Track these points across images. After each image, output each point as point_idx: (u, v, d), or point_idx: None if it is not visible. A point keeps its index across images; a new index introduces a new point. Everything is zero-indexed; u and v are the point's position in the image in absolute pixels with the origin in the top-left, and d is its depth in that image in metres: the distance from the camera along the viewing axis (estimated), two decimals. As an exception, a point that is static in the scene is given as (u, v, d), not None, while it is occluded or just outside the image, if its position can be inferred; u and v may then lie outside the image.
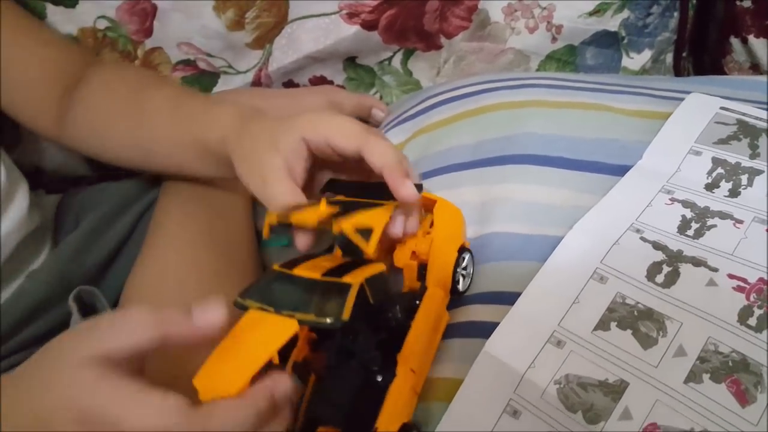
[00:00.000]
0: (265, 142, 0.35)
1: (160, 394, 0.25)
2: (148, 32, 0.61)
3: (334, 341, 0.29)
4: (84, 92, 0.48)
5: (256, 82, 0.65)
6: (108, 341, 0.27)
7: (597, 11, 0.57)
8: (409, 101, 0.55)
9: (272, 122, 0.36)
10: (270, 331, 0.27)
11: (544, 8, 0.57)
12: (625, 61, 0.60)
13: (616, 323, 0.30)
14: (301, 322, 0.27)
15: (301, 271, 0.30)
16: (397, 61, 0.64)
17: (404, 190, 0.31)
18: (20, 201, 0.48)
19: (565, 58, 0.60)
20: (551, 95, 0.44)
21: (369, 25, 0.59)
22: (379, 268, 0.30)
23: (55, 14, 0.57)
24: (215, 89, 0.65)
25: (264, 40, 0.62)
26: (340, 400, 0.28)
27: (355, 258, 0.32)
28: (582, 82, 0.47)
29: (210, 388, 0.26)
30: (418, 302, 0.31)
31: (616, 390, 0.28)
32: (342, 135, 0.33)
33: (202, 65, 0.63)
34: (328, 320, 0.26)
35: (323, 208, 0.31)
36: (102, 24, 0.59)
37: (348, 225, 0.29)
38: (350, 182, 0.36)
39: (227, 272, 0.45)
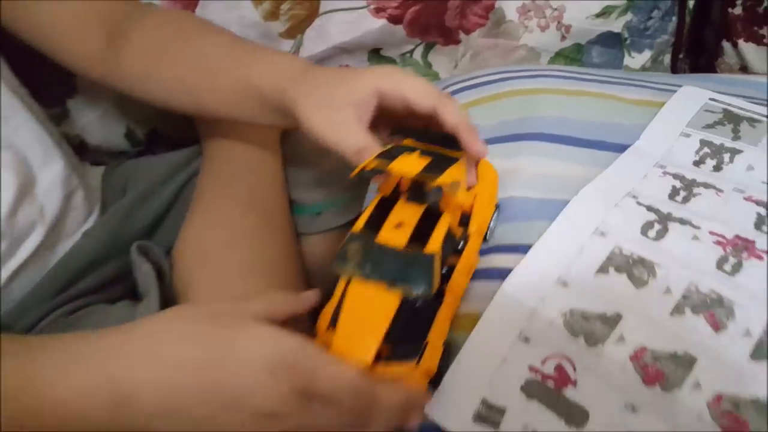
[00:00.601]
0: (339, 92, 0.36)
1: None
2: (191, 19, 0.66)
3: None
4: (135, 34, 0.48)
5: (287, 70, 0.71)
6: None
7: (603, 13, 0.63)
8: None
9: (343, 72, 0.38)
10: (379, 303, 0.30)
11: (555, 9, 0.63)
12: (627, 60, 0.66)
13: (613, 268, 0.35)
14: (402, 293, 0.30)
15: (386, 238, 0.32)
16: (418, 54, 0.70)
17: (478, 146, 0.34)
18: (58, 160, 0.50)
19: (573, 56, 0.66)
20: (562, 84, 0.50)
21: (394, 20, 0.65)
22: (447, 221, 0.32)
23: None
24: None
25: (296, 30, 0.68)
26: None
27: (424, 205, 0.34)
28: (589, 74, 0.53)
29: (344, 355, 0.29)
30: (461, 246, 0.36)
31: (612, 321, 0.34)
32: (419, 92, 0.35)
33: (238, 52, 0.69)
34: (421, 292, 0.30)
35: (420, 159, 0.33)
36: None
37: (447, 179, 0.31)
38: (417, 130, 0.38)
39: (270, 234, 0.50)
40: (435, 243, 0.31)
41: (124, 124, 0.71)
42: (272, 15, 0.66)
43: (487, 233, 0.39)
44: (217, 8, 0.65)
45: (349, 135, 0.35)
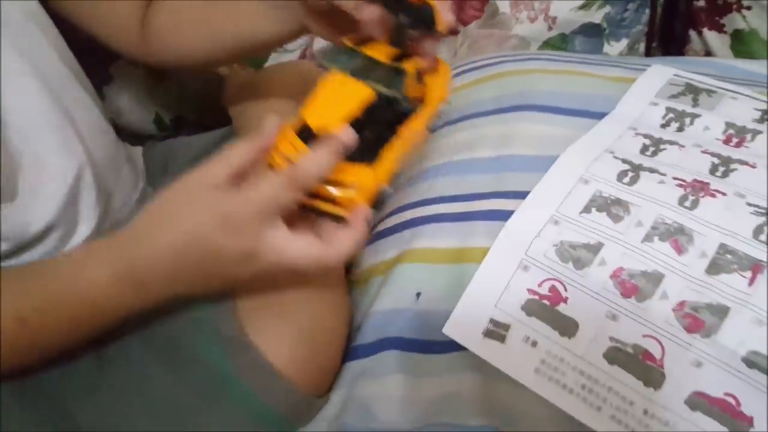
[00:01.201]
0: None
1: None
2: (216, 16, 0.73)
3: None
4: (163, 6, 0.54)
5: (301, 59, 0.78)
6: (218, 167, 0.36)
7: (584, 6, 0.70)
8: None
9: None
10: (354, 91, 0.37)
11: (543, 3, 0.71)
12: (606, 48, 0.74)
13: (595, 208, 0.43)
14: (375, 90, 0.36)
15: (370, 52, 0.38)
16: (419, 45, 0.77)
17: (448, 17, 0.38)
18: (110, 134, 0.55)
19: (558, 45, 0.73)
20: (551, 65, 0.57)
21: (399, 14, 0.72)
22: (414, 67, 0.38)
23: None
24: (266, 65, 0.78)
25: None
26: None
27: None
28: (573, 57, 0.60)
29: (317, 121, 0.35)
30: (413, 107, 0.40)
31: (595, 249, 0.41)
32: None
33: (258, 46, 0.75)
34: (396, 94, 0.36)
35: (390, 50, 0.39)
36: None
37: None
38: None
39: None
40: (409, 65, 0.38)
41: (153, 111, 0.78)
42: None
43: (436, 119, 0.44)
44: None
45: None
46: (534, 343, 0.40)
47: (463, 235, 0.44)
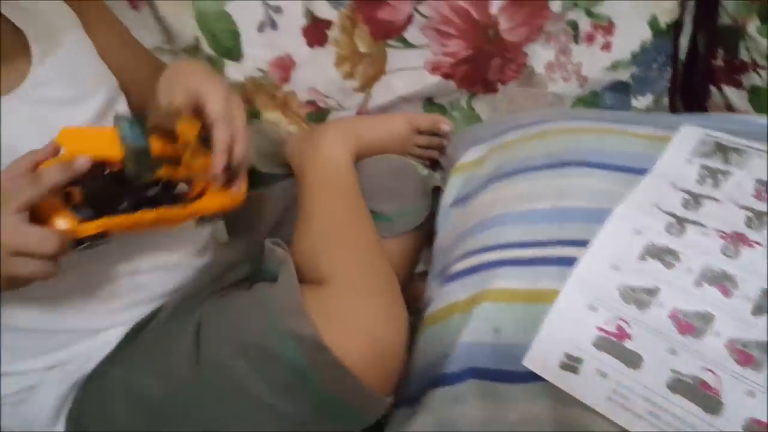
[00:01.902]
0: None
1: None
2: (287, 80, 0.80)
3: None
4: None
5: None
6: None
7: (613, 67, 0.77)
8: (481, 128, 0.73)
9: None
10: (109, 147, 0.45)
11: (575, 64, 0.77)
12: (634, 102, 0.80)
13: (650, 256, 0.49)
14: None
15: (153, 141, 0.47)
16: (463, 101, 0.83)
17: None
18: None
19: (590, 100, 0.80)
20: (591, 124, 0.64)
21: (447, 76, 0.79)
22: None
23: (229, 66, 0.77)
24: (326, 121, 0.84)
25: (366, 86, 0.82)
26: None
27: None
28: (608, 116, 0.66)
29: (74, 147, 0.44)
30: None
31: (653, 292, 0.47)
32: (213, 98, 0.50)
33: (320, 104, 0.82)
34: (131, 171, 0.46)
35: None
36: (257, 73, 0.78)
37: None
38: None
39: (371, 232, 0.62)
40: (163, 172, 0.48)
41: (230, 164, 0.84)
42: (349, 75, 0.80)
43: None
44: (308, 71, 0.79)
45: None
46: (604, 375, 0.45)
47: (534, 278, 0.50)
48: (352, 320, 0.50)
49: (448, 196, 0.67)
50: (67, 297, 0.54)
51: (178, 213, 0.51)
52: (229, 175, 0.53)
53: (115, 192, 0.48)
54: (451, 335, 0.51)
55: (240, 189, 0.55)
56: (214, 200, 0.53)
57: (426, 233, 0.72)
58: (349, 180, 0.67)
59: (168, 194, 0.51)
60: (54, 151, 0.46)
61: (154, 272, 0.58)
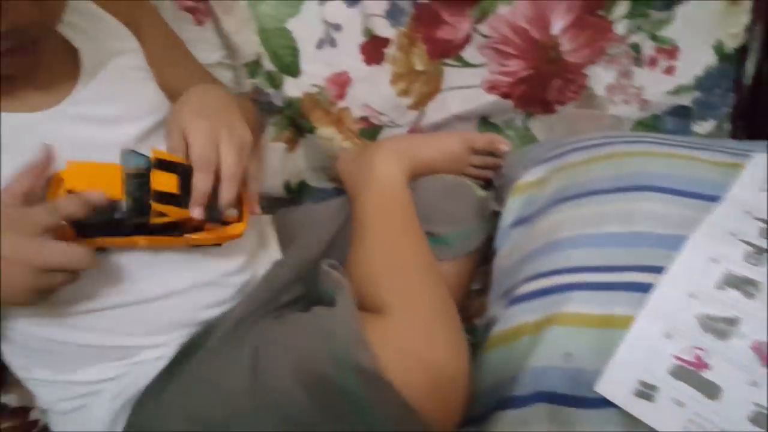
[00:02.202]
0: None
1: None
2: (342, 96, 0.82)
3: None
4: None
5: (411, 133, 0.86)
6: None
7: (676, 91, 0.77)
8: (541, 148, 0.74)
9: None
10: (111, 181, 0.48)
11: (637, 88, 0.78)
12: (695, 128, 0.80)
13: (728, 285, 0.49)
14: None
15: (156, 175, 0.49)
16: (519, 120, 0.84)
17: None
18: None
19: (650, 123, 0.80)
20: (658, 148, 0.64)
21: (505, 96, 0.80)
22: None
23: (288, 82, 0.79)
24: (378, 138, 0.86)
25: (420, 103, 0.83)
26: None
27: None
28: (675, 140, 0.67)
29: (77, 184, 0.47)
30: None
31: (733, 322, 0.47)
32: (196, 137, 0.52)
33: (373, 120, 0.84)
34: (127, 203, 0.48)
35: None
36: (314, 89, 0.80)
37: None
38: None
39: (428, 255, 0.63)
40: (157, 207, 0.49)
41: (283, 178, 0.86)
42: (404, 92, 0.82)
43: None
44: (363, 88, 0.81)
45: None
46: (681, 404, 0.45)
47: (607, 303, 0.50)
48: (414, 354, 0.51)
49: (507, 216, 0.67)
50: (108, 315, 0.54)
51: (171, 241, 0.53)
52: (220, 216, 0.53)
53: (111, 221, 0.50)
54: (518, 358, 0.52)
55: (236, 228, 0.56)
56: (209, 234, 0.54)
57: (481, 254, 0.73)
58: (404, 200, 0.67)
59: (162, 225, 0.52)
60: (41, 169, 0.49)
61: (191, 290, 0.58)
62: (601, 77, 0.78)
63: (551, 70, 0.77)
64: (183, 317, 0.58)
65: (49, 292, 0.47)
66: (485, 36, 0.76)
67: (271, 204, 0.82)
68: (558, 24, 0.74)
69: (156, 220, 0.49)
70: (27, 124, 0.51)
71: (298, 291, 0.66)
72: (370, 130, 0.85)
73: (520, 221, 0.65)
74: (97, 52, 0.58)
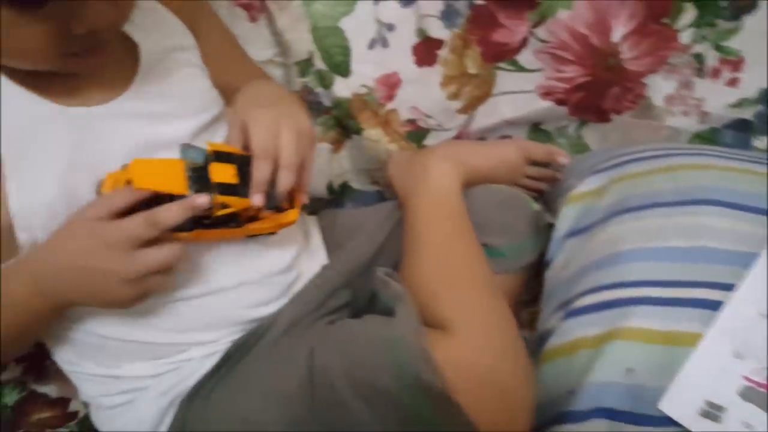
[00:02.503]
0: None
1: None
2: (391, 98, 0.82)
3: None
4: None
5: (457, 138, 0.86)
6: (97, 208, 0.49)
7: (738, 104, 0.76)
8: (596, 157, 0.73)
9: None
10: (180, 179, 0.49)
11: (697, 99, 0.77)
12: (754, 142, 0.78)
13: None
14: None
15: (215, 167, 0.50)
16: (572, 128, 0.84)
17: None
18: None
19: (708, 136, 0.79)
20: (722, 162, 0.63)
21: (560, 102, 0.80)
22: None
23: (338, 82, 0.80)
24: (425, 141, 0.86)
25: (470, 107, 0.83)
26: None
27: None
28: (741, 154, 0.66)
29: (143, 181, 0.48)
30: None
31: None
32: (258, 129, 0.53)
33: (420, 123, 0.84)
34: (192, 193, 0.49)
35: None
36: (363, 90, 0.81)
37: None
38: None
39: (484, 266, 0.63)
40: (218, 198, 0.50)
41: (327, 179, 0.87)
42: (454, 96, 0.82)
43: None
44: (413, 90, 0.81)
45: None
46: (749, 426, 0.45)
47: (672, 319, 0.50)
48: (481, 374, 0.50)
49: (562, 226, 0.67)
50: (155, 312, 0.55)
51: (230, 233, 0.54)
52: (277, 203, 0.55)
53: None
54: (577, 372, 0.51)
55: (290, 215, 0.57)
56: (265, 223, 0.56)
57: (532, 268, 0.72)
58: (459, 208, 0.67)
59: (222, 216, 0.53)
60: (128, 196, 0.49)
61: (239, 288, 0.58)
62: (660, 87, 0.77)
63: (609, 78, 0.76)
64: (231, 315, 0.59)
65: (149, 294, 0.50)
66: (542, 40, 0.76)
67: (314, 204, 0.83)
68: (619, 30, 0.73)
69: (219, 212, 0.50)
70: (83, 118, 0.52)
71: (346, 297, 0.66)
72: (417, 133, 0.85)
73: (576, 232, 0.65)
74: (155, 47, 0.59)
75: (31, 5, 0.41)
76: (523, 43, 0.77)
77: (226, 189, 0.50)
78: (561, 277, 0.62)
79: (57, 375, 0.75)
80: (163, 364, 0.57)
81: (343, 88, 0.80)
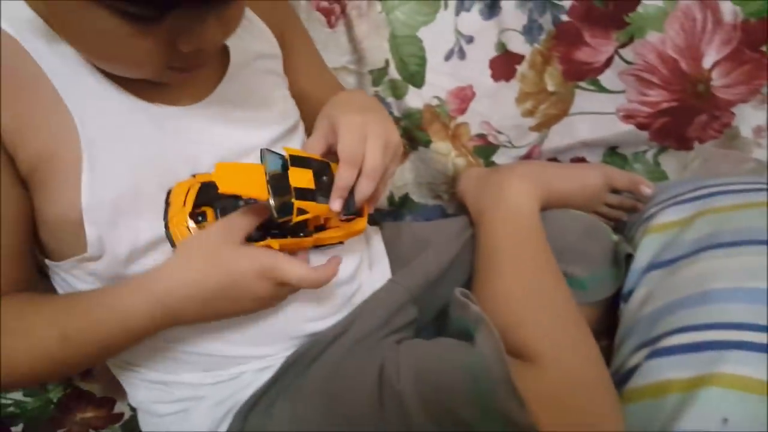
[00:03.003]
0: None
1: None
2: (463, 111, 0.82)
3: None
4: None
5: (527, 156, 0.85)
6: (237, 228, 0.51)
7: (833, 141, 0.74)
8: (679, 187, 0.71)
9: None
10: (262, 184, 0.48)
11: (788, 131, 0.75)
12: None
13: None
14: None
15: (293, 173, 0.50)
16: (650, 154, 0.82)
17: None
18: None
19: (797, 172, 0.77)
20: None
21: (642, 126, 0.78)
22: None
23: (410, 92, 0.80)
24: (493, 157, 0.86)
25: (544, 125, 0.82)
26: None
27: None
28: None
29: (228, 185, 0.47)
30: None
31: None
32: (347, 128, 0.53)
33: (490, 139, 0.84)
34: (271, 201, 0.48)
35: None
36: (434, 102, 0.81)
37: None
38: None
39: (567, 293, 0.61)
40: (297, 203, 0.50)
41: (389, 190, 0.87)
42: (529, 113, 0.82)
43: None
44: (486, 104, 0.81)
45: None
46: None
47: (774, 368, 0.48)
48: (572, 411, 0.50)
49: (642, 257, 0.66)
50: (214, 323, 0.55)
51: (301, 242, 0.54)
52: (353, 210, 0.54)
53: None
54: (666, 417, 0.50)
55: (358, 224, 0.57)
56: (336, 231, 0.56)
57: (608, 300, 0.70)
58: (538, 232, 0.66)
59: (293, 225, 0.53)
60: (252, 221, 0.51)
61: (300, 301, 0.58)
62: (749, 117, 0.75)
63: (697, 105, 0.75)
64: (290, 329, 0.59)
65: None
66: (628, 62, 0.75)
67: (373, 215, 0.83)
68: (711, 56, 0.72)
69: (297, 218, 0.50)
70: (166, 116, 0.53)
71: (412, 314, 0.66)
72: (486, 149, 0.85)
73: (658, 264, 0.64)
74: (243, 52, 0.60)
75: (149, 20, 0.42)
76: (607, 63, 0.76)
77: (303, 194, 0.50)
78: (642, 312, 0.60)
79: (103, 373, 0.76)
80: (220, 374, 0.57)
81: (415, 98, 0.80)
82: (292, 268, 0.50)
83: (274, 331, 0.58)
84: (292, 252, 0.55)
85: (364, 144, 0.53)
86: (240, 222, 0.51)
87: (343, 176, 0.52)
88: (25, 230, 0.51)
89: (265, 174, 0.50)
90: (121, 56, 0.46)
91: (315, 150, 0.55)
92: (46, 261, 0.53)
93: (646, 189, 0.73)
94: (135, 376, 0.59)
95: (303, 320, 0.59)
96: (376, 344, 0.60)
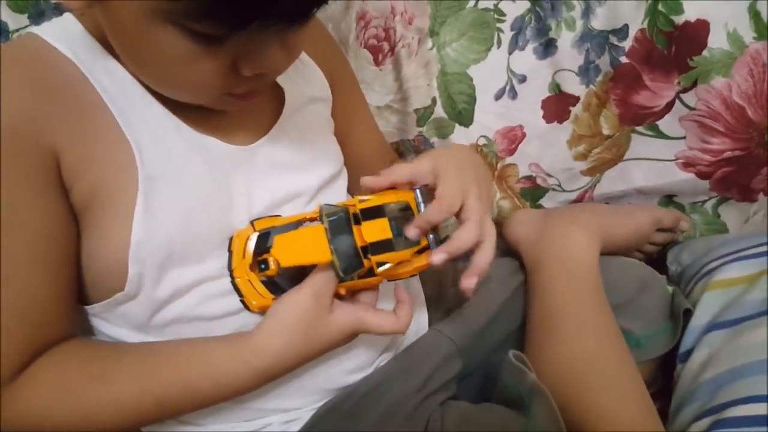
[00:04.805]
0: None
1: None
2: (512, 152, 0.83)
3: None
4: None
5: (578, 200, 0.86)
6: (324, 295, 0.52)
7: None
8: (743, 242, 0.72)
9: None
10: (321, 246, 0.50)
11: None
12: None
13: None
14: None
15: (367, 227, 0.51)
16: (709, 204, 0.82)
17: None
18: None
19: None
20: None
21: (702, 175, 0.78)
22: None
23: (457, 131, 0.82)
24: (541, 201, 0.86)
25: (596, 170, 0.83)
26: None
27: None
28: None
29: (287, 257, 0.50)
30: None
31: None
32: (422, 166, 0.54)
33: (539, 181, 0.85)
34: (335, 261, 0.50)
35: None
36: (482, 141, 0.83)
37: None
38: None
39: (628, 356, 0.61)
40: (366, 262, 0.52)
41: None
42: (582, 156, 0.82)
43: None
44: (537, 145, 0.82)
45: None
46: None
47: None
48: None
49: (703, 315, 0.65)
50: None
51: (369, 283, 0.55)
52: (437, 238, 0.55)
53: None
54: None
55: (423, 257, 0.56)
56: (403, 267, 0.55)
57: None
58: (601, 293, 0.65)
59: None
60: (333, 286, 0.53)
61: (339, 354, 0.57)
62: (820, 170, 0.75)
63: (763, 156, 0.75)
64: (329, 381, 0.58)
65: None
66: (690, 107, 0.75)
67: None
68: (780, 105, 0.72)
69: (379, 271, 0.51)
70: (225, 155, 0.53)
71: (457, 368, 0.65)
72: (533, 191, 0.86)
73: (721, 324, 0.63)
74: (297, 95, 0.61)
75: (214, 40, 0.43)
76: (668, 108, 0.77)
77: (380, 247, 0.51)
78: (704, 376, 0.60)
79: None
80: (244, 425, 0.56)
81: (461, 137, 0.82)
82: (380, 324, 0.53)
83: (311, 384, 0.57)
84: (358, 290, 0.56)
85: (464, 198, 0.53)
86: (325, 285, 0.52)
87: (433, 211, 0.52)
88: (75, 270, 0.50)
89: (326, 233, 0.51)
90: (183, 78, 0.46)
91: (397, 176, 0.54)
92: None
93: (685, 224, 0.78)
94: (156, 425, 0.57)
95: (343, 372, 0.59)
96: (419, 405, 0.59)
